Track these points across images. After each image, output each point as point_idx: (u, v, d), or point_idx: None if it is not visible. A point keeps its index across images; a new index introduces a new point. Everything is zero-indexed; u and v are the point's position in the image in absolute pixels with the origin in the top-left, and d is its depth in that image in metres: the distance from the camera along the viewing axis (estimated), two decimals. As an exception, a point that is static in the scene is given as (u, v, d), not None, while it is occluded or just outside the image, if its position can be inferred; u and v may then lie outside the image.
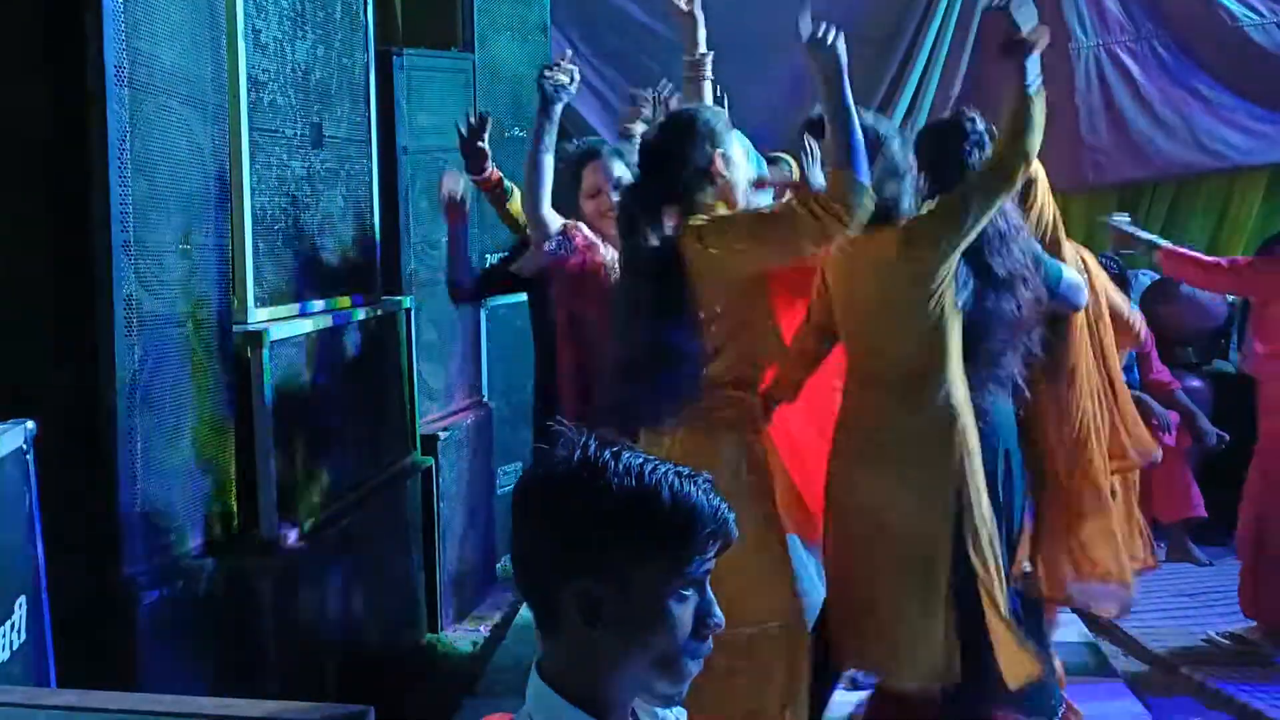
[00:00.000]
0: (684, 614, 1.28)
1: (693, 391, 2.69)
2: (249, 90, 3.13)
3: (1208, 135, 5.80)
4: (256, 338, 3.08)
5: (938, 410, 2.81)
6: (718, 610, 1.31)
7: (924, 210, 2.86)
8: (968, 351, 2.87)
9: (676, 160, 2.76)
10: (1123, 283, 4.24)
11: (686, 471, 1.28)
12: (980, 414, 2.89)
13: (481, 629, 4.34)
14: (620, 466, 1.26)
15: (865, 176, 2.57)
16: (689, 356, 2.69)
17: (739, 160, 2.85)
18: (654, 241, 2.73)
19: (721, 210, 2.78)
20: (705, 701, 2.49)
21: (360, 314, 3.69)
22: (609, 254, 3.31)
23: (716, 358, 2.71)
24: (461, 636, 4.26)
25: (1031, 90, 2.85)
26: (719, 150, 2.78)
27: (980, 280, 2.88)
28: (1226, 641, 3.94)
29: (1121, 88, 5.81)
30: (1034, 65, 2.86)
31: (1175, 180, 5.97)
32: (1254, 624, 3.96)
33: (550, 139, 3.26)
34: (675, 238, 2.72)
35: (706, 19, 3.72)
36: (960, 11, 5.94)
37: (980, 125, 3.13)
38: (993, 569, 2.82)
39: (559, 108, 3.26)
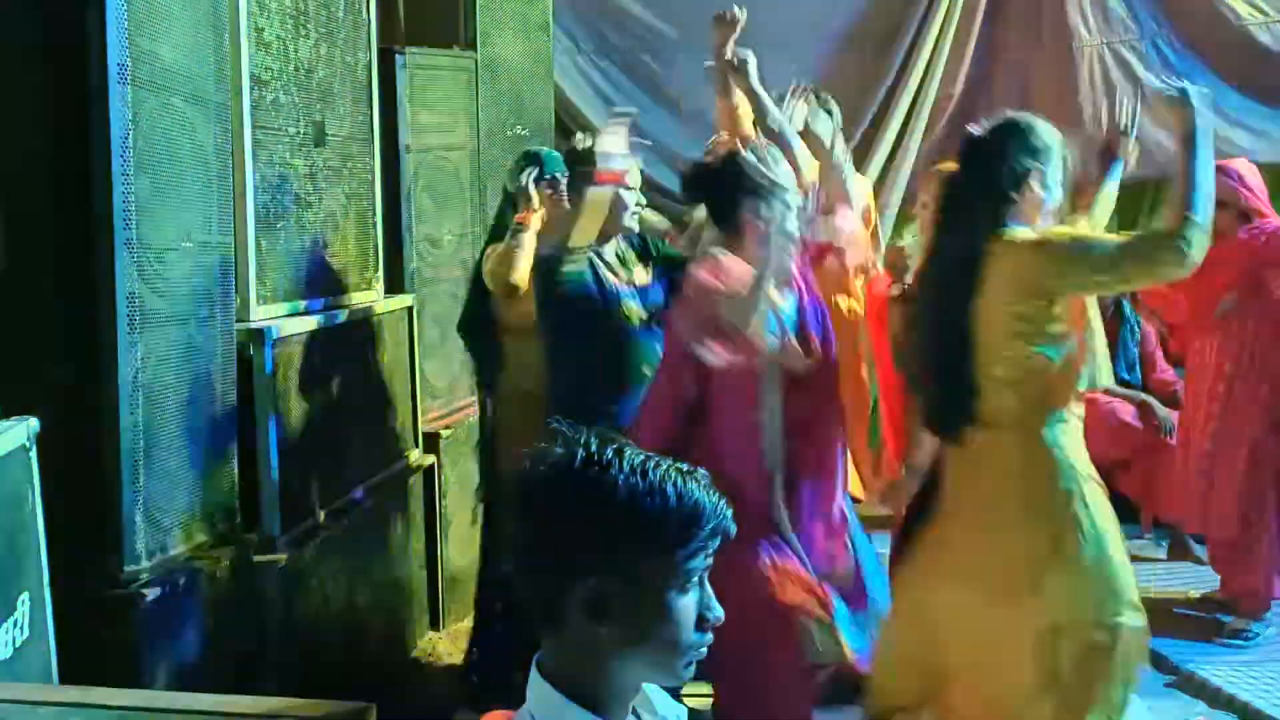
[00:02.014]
0: (687, 609, 1.30)
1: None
2: (251, 88, 3.13)
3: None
4: (258, 336, 3.08)
5: None
6: (717, 604, 1.33)
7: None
8: None
9: (997, 159, 2.73)
10: None
11: (687, 468, 1.30)
12: None
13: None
14: (625, 464, 1.27)
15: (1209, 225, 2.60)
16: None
17: (1054, 189, 2.78)
18: (969, 239, 2.70)
19: (1035, 231, 2.72)
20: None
21: (362, 312, 3.70)
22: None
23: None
24: (463, 634, 4.26)
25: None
26: (1040, 167, 2.73)
27: None
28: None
29: (1126, 87, 5.80)
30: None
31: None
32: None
33: None
34: (987, 243, 2.68)
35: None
36: (963, 10, 5.94)
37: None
38: None
39: None
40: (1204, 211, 2.57)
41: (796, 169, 3.13)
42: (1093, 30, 5.86)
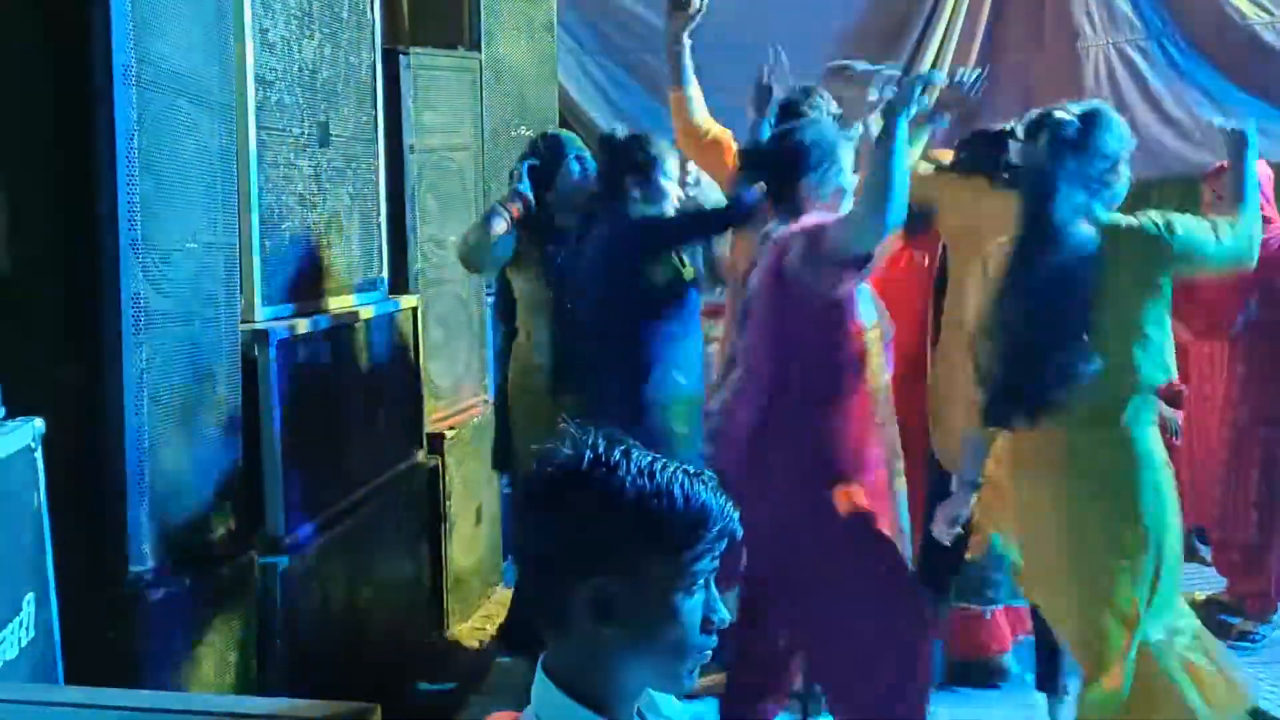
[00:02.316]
0: (692, 611, 1.30)
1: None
2: (256, 89, 3.13)
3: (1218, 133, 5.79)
4: (263, 336, 3.08)
5: None
6: (723, 607, 1.32)
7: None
8: None
9: (1094, 145, 2.79)
10: None
11: (694, 470, 1.30)
12: None
13: (488, 627, 4.34)
14: (632, 465, 1.27)
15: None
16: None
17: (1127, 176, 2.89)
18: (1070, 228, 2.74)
19: (1133, 217, 2.80)
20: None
21: (367, 313, 3.70)
22: None
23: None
24: (468, 635, 4.27)
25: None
26: (1124, 153, 2.85)
27: None
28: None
29: (1131, 86, 5.80)
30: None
31: (1183, 179, 5.96)
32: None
33: None
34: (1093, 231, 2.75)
35: (716, 19, 3.79)
36: (967, 9, 5.93)
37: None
38: None
39: None
40: (1254, 216, 2.86)
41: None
42: (1098, 29, 5.86)
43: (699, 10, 3.61)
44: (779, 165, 3.08)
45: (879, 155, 2.75)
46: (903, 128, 2.73)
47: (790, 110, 3.54)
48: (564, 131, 3.88)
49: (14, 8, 2.44)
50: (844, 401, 2.99)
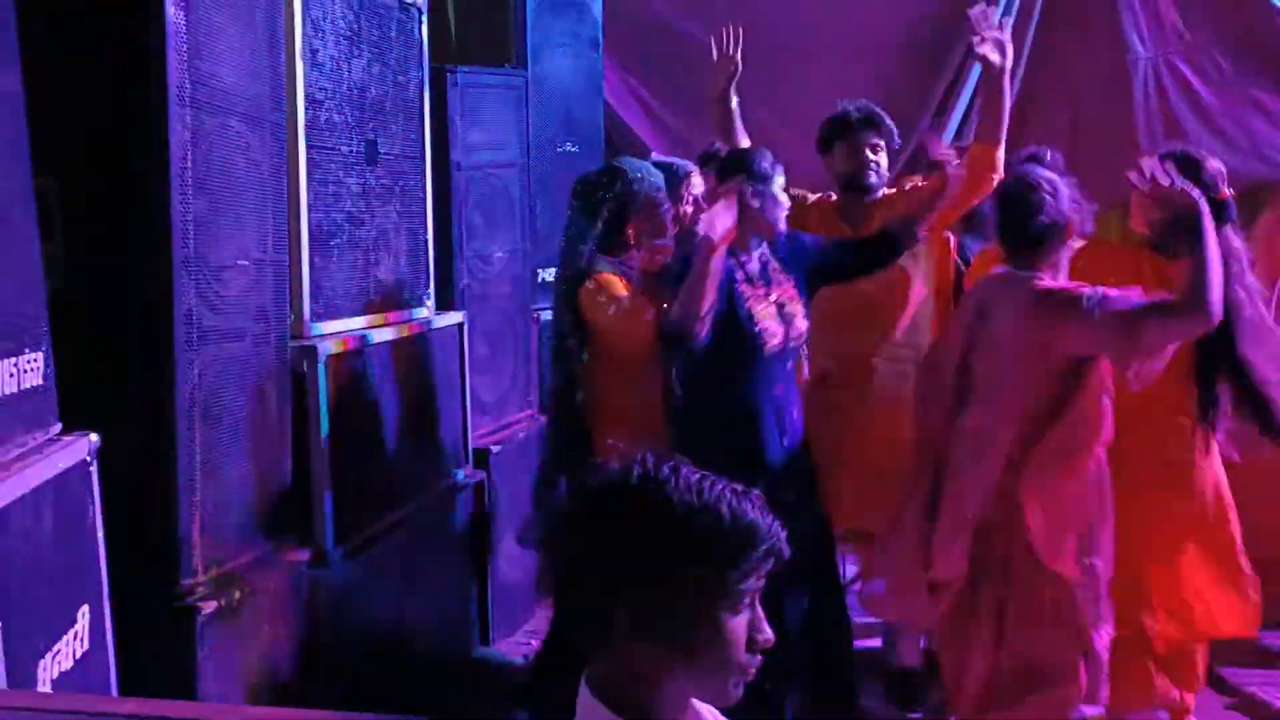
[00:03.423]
0: (737, 629, 1.29)
1: None
2: (306, 108, 3.18)
3: (1269, 145, 5.70)
4: (312, 352, 3.12)
5: None
6: (767, 627, 1.32)
7: None
8: None
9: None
10: None
11: (741, 489, 1.30)
12: None
13: (532, 642, 4.35)
14: (680, 483, 1.27)
15: None
16: None
17: None
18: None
19: None
20: None
21: (414, 328, 3.73)
22: None
23: None
24: (512, 649, 4.28)
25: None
26: None
27: None
28: None
29: (1180, 99, 5.71)
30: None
31: (1235, 192, 5.88)
32: None
33: None
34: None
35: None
36: (1014, 26, 5.89)
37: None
38: None
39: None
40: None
41: None
42: (1147, 42, 5.79)
43: (738, 68, 3.55)
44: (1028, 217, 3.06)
45: (1199, 253, 2.88)
46: (1209, 229, 2.91)
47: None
48: (631, 159, 3.64)
49: (73, 31, 2.49)
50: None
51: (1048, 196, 3.04)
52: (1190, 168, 3.20)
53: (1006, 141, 3.55)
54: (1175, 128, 5.76)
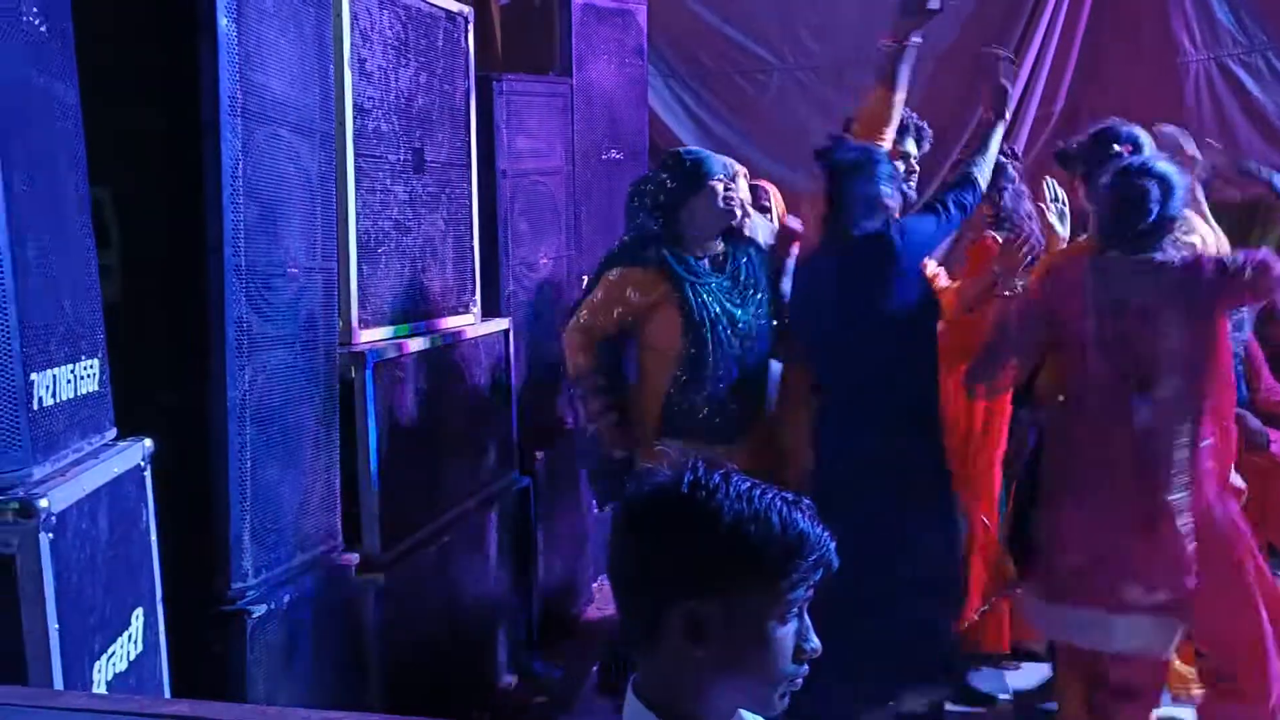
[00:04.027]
0: (785, 639, 1.29)
1: None
2: (355, 117, 3.21)
3: (1323, 148, 5.61)
4: (360, 359, 3.15)
5: None
6: (814, 637, 1.31)
7: None
8: None
9: None
10: None
11: (792, 497, 1.29)
12: None
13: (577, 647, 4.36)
14: (731, 490, 1.27)
15: None
16: None
17: None
18: None
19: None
20: None
21: (460, 335, 3.76)
22: None
23: None
24: (558, 653, 4.29)
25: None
26: None
27: None
28: None
29: (1233, 102, 5.64)
30: None
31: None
32: None
33: None
34: None
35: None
36: (1063, 26, 5.84)
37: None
38: None
39: None
40: None
41: None
42: (1199, 44, 5.71)
43: (937, 11, 3.48)
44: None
45: None
46: None
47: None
48: (703, 151, 3.59)
49: (126, 43, 2.54)
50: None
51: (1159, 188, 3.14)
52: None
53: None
54: (1227, 131, 5.68)
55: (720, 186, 3.43)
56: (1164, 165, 3.18)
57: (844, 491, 3.05)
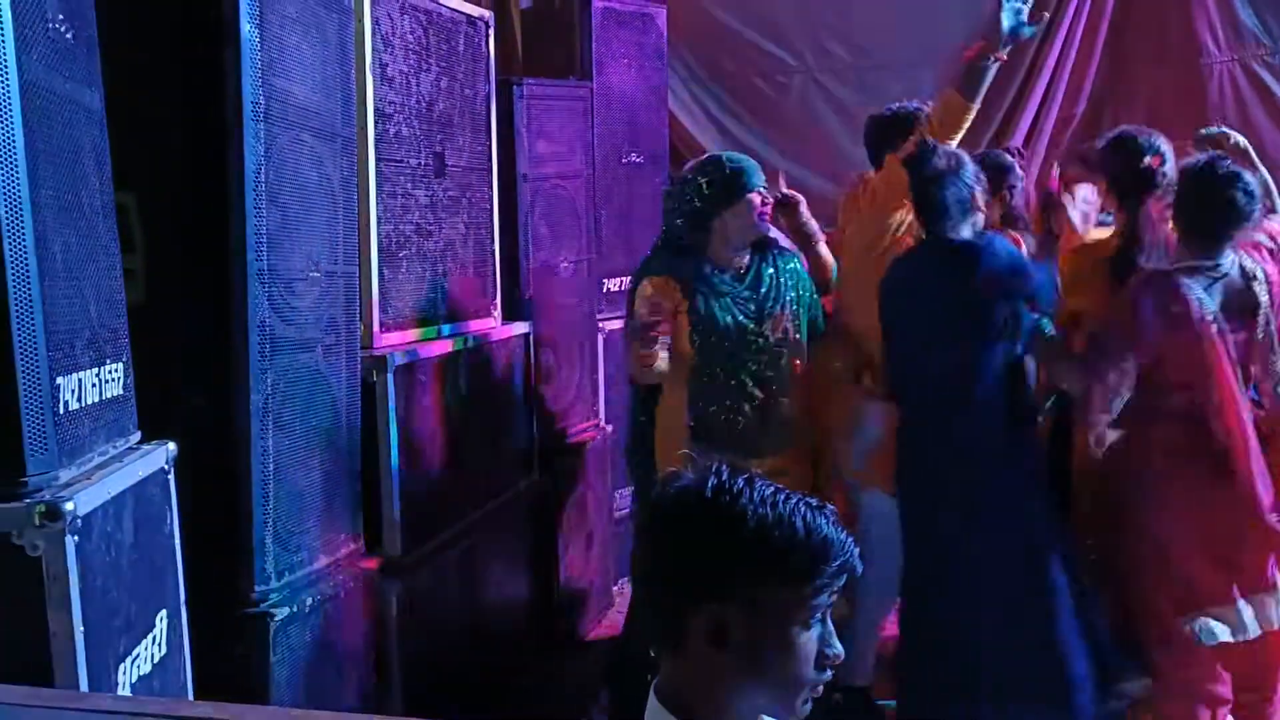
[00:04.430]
0: (808, 644, 1.29)
1: None
2: (376, 122, 3.23)
3: (1350, 151, 5.56)
4: (381, 362, 3.16)
5: None
6: (837, 642, 1.31)
7: None
8: None
9: None
10: None
11: (815, 503, 1.29)
12: None
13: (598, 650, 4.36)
14: (755, 495, 1.27)
15: None
16: None
17: None
18: None
19: None
20: None
21: (481, 338, 3.77)
22: None
23: None
24: (579, 657, 4.29)
25: None
26: None
27: None
28: None
29: (1257, 103, 5.60)
30: None
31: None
32: None
33: None
34: None
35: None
36: (1085, 27, 5.81)
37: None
38: None
39: None
40: None
41: None
42: (1223, 45, 5.68)
43: (1031, 36, 3.50)
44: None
45: None
46: None
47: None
48: (746, 160, 3.55)
49: (150, 50, 2.55)
50: None
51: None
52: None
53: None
54: (1251, 132, 5.64)
55: (758, 200, 3.41)
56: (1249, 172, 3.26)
57: (924, 507, 3.07)
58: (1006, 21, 3.34)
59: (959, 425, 3.22)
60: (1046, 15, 3.47)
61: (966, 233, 3.28)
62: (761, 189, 3.44)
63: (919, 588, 3.35)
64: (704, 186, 3.39)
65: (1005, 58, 3.46)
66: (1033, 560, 3.22)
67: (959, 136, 3.49)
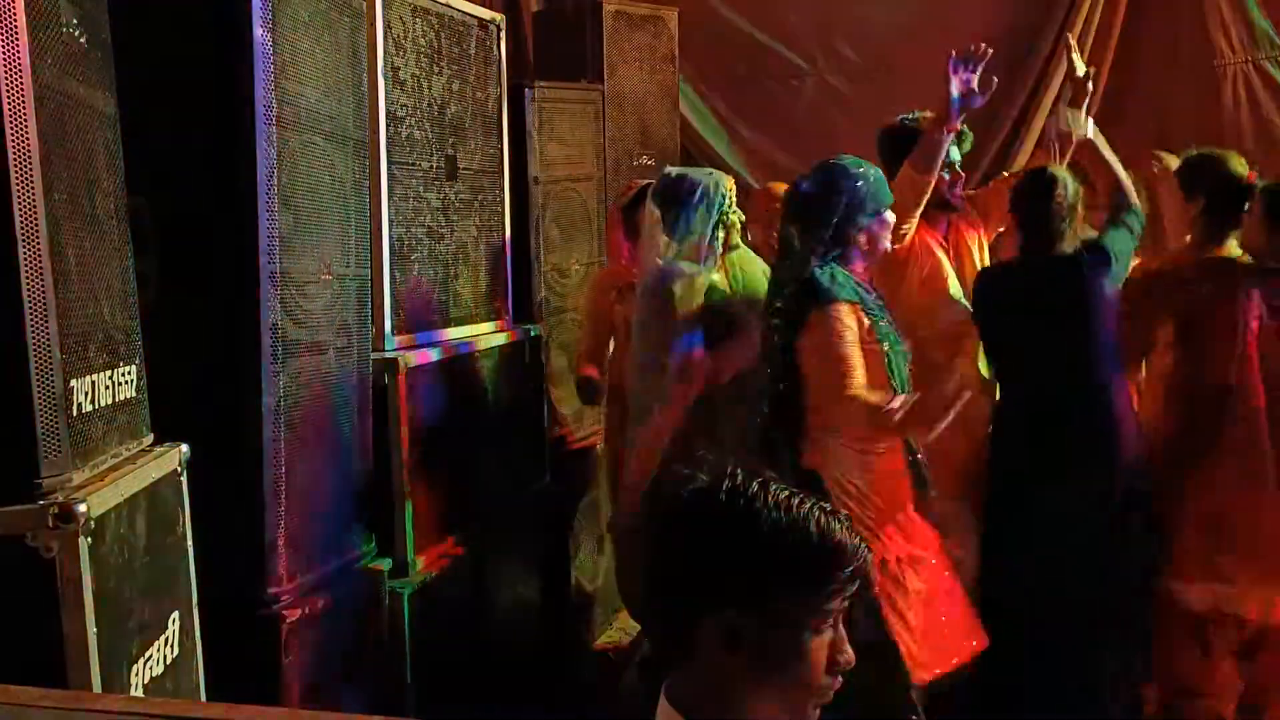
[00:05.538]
0: (820, 649, 1.28)
1: None
2: (388, 125, 3.24)
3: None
4: (393, 364, 3.17)
5: None
6: (848, 647, 1.30)
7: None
8: None
9: None
10: None
11: (829, 508, 1.28)
12: None
13: (610, 654, 4.36)
14: (769, 499, 1.26)
15: None
16: None
17: None
18: None
19: None
20: None
21: (493, 341, 3.77)
22: None
23: None
24: (592, 659, 4.29)
25: None
26: None
27: None
28: None
29: (1271, 105, 5.58)
30: None
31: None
32: None
33: None
34: None
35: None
36: (1098, 29, 5.79)
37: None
38: None
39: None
40: None
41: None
42: (1235, 47, 5.65)
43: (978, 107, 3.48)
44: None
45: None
46: None
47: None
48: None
49: (161, 53, 2.56)
50: None
51: None
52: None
53: None
54: (1264, 133, 5.62)
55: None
56: None
57: (1018, 520, 3.21)
58: (955, 92, 3.34)
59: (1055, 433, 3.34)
60: (996, 80, 3.43)
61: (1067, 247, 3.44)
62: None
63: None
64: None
65: (958, 128, 3.48)
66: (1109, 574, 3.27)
67: (919, 212, 3.47)
